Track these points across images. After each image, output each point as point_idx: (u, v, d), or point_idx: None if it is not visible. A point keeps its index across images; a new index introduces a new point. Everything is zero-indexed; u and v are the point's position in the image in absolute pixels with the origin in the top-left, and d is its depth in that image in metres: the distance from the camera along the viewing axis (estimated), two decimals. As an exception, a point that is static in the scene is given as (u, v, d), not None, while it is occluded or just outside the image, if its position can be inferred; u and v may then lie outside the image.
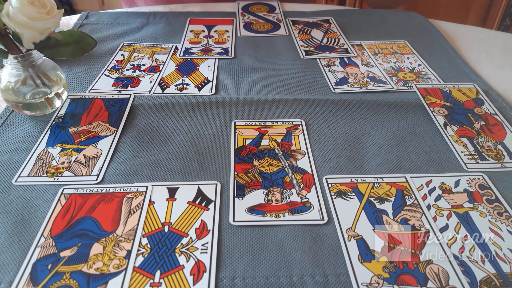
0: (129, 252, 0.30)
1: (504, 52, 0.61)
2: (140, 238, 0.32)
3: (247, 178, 0.38)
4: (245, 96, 0.49)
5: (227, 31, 0.67)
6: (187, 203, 0.35)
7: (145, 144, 0.42)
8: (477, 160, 0.40)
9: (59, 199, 0.35)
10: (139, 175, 0.38)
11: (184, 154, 0.40)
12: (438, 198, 0.36)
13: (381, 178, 0.38)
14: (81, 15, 0.71)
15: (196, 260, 0.30)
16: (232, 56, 0.59)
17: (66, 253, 0.30)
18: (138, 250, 0.31)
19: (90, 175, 0.38)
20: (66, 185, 0.36)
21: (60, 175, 0.38)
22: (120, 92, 0.50)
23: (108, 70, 0.55)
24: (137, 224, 0.33)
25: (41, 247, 0.31)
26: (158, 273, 0.29)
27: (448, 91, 0.50)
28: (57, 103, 0.46)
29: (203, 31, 0.67)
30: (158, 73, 0.55)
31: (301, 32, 0.67)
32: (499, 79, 0.55)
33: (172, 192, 0.36)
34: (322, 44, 0.63)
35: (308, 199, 0.35)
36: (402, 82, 0.53)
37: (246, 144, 0.42)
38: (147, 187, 0.36)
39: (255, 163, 0.39)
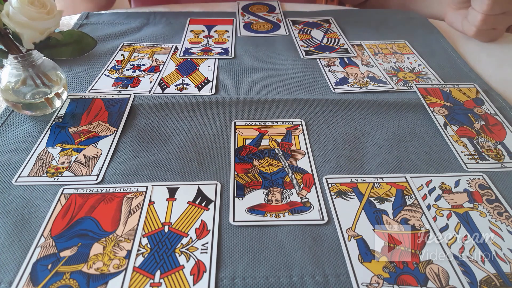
0: (129, 252, 0.30)
1: (504, 52, 0.61)
2: (140, 238, 0.32)
3: (247, 178, 0.38)
4: (245, 96, 0.49)
5: (227, 31, 0.67)
6: (187, 203, 0.35)
7: (145, 144, 0.42)
8: (477, 160, 0.40)
9: (59, 199, 0.35)
10: (139, 175, 0.38)
11: (184, 154, 0.40)
12: (438, 198, 0.36)
13: (381, 178, 0.38)
14: (81, 15, 0.71)
15: (196, 260, 0.30)
16: (232, 56, 0.59)
17: (66, 253, 0.30)
18: (138, 250, 0.31)
19: (90, 175, 0.38)
20: (66, 185, 0.36)
21: (60, 175, 0.38)
22: (120, 92, 0.50)
23: (108, 70, 0.55)
24: (137, 224, 0.33)
25: (41, 247, 0.31)
26: (158, 273, 0.29)
27: (448, 91, 0.50)
28: (57, 103, 0.46)
29: (203, 31, 0.67)
30: (158, 73, 0.55)
31: (301, 32, 0.67)
32: (499, 79, 0.55)
33: (172, 192, 0.36)
34: (322, 44, 0.63)
35: (308, 199, 0.35)
36: (402, 82, 0.53)
37: (246, 144, 0.42)
38: (147, 187, 0.36)
39: (255, 163, 0.39)
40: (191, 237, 0.32)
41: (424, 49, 0.61)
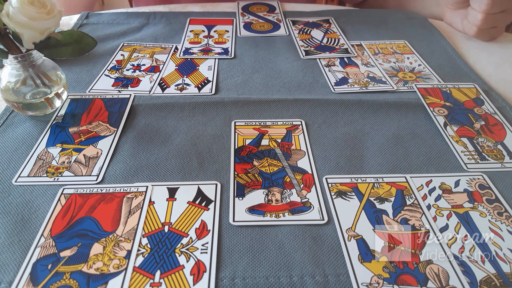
0: (129, 252, 0.30)
1: (504, 52, 0.61)
2: (140, 238, 0.32)
3: (247, 178, 0.38)
4: (245, 96, 0.49)
5: (227, 31, 0.67)
6: (187, 203, 0.35)
7: (145, 144, 0.42)
8: (477, 160, 0.40)
9: (59, 199, 0.35)
10: (139, 175, 0.38)
11: (184, 154, 0.40)
12: (438, 198, 0.36)
13: (381, 178, 0.38)
14: (81, 15, 0.71)
15: (196, 260, 0.30)
16: (232, 56, 0.59)
17: (66, 253, 0.30)
18: (138, 250, 0.31)
19: (90, 175, 0.38)
20: (66, 185, 0.36)
21: (60, 175, 0.38)
22: (120, 92, 0.50)
23: (108, 70, 0.55)
24: (137, 224, 0.33)
25: (41, 247, 0.31)
26: (158, 273, 0.29)
27: (448, 91, 0.50)
28: (57, 103, 0.46)
29: (203, 31, 0.67)
30: (158, 73, 0.55)
31: (301, 32, 0.67)
32: (499, 79, 0.55)
33: (172, 192, 0.36)
34: (322, 44, 0.63)
35: (308, 199, 0.35)
36: (402, 82, 0.53)
37: (246, 144, 0.42)
38: (147, 187, 0.36)
39: (255, 163, 0.39)
40: (191, 237, 0.32)
41: (424, 49, 0.61)
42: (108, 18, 0.70)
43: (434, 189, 0.37)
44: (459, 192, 0.36)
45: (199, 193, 0.36)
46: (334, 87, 0.51)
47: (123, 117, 0.45)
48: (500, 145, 0.42)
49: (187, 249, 0.31)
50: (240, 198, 0.35)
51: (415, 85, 0.51)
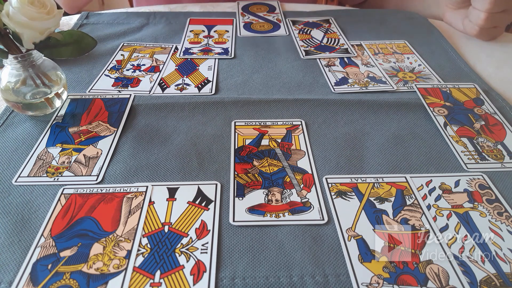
0: (129, 252, 0.30)
1: (504, 52, 0.61)
2: (140, 238, 0.32)
3: (247, 178, 0.38)
4: (245, 96, 0.49)
5: (227, 31, 0.67)
6: (187, 203, 0.35)
7: (145, 144, 0.42)
8: (477, 160, 0.40)
9: (59, 199, 0.35)
10: (139, 175, 0.38)
11: (184, 154, 0.40)
12: (438, 198, 0.36)
13: (381, 178, 0.38)
14: (81, 15, 0.71)
15: (196, 260, 0.30)
16: (232, 56, 0.59)
17: (66, 253, 0.30)
18: (138, 250, 0.31)
19: (90, 175, 0.38)
20: (66, 185, 0.36)
21: (60, 175, 0.38)
22: (120, 92, 0.50)
23: (108, 70, 0.55)
24: (137, 224, 0.33)
25: (41, 247, 0.31)
26: (158, 273, 0.29)
27: (448, 91, 0.50)
28: (57, 103, 0.46)
29: (203, 31, 0.67)
30: (158, 73, 0.55)
31: (301, 32, 0.67)
32: (499, 79, 0.55)
33: (172, 192, 0.36)
34: (322, 44, 0.63)
35: (308, 199, 0.35)
36: (402, 82, 0.53)
37: (246, 144, 0.42)
38: (147, 187, 0.36)
39: (255, 163, 0.39)
40: (191, 237, 0.32)
41: (424, 49, 0.61)
42: (108, 18, 0.71)
43: (434, 189, 0.37)
44: (459, 192, 0.36)
45: (199, 193, 0.36)
46: (334, 87, 0.51)
47: (123, 117, 0.45)
48: (500, 145, 0.42)
49: (187, 249, 0.31)
50: (240, 198, 0.35)
51: (415, 85, 0.51)
